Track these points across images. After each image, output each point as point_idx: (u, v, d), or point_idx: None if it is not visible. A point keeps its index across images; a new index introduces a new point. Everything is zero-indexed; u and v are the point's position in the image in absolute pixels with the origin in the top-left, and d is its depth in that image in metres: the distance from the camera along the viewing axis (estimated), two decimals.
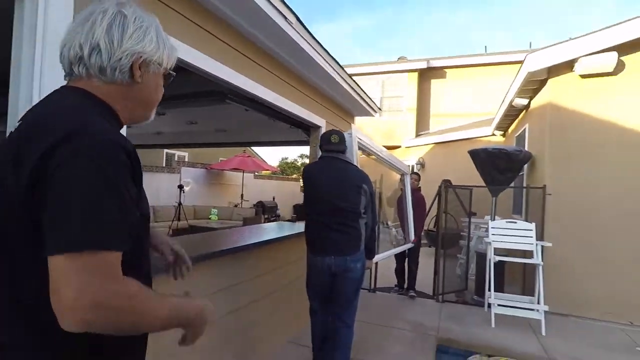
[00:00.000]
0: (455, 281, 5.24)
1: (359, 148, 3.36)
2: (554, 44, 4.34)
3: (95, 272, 0.61)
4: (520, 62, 4.68)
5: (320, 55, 3.10)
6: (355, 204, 2.39)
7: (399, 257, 5.06)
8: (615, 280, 4.17)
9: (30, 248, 0.65)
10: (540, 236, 4.35)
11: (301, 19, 2.59)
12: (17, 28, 1.33)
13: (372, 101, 4.87)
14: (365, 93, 4.52)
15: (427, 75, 12.55)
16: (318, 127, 3.94)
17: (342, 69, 3.60)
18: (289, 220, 5.02)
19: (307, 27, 2.72)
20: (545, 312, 3.85)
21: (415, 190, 5.06)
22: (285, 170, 21.15)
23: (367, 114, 5.06)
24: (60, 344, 0.67)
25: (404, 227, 4.92)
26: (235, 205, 12.31)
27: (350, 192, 2.40)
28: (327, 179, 2.42)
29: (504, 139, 8.49)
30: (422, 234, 5.31)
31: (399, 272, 5.15)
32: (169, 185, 9.00)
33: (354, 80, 4.02)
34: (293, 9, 2.49)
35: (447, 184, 5.06)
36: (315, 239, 2.44)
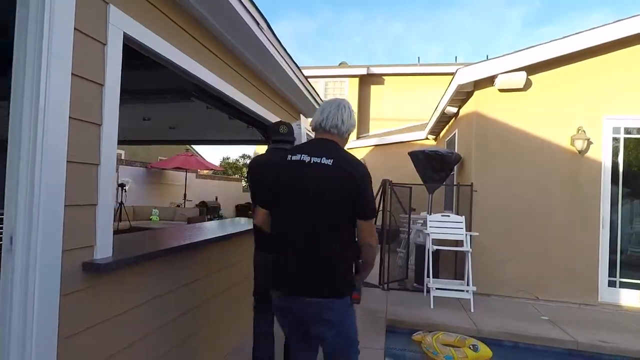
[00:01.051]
0: (397, 271, 5.76)
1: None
2: (479, 62, 5.06)
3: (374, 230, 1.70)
4: (448, 73, 5.35)
5: (284, 60, 3.33)
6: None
7: None
8: (525, 264, 4.96)
9: (347, 218, 1.63)
10: (469, 227, 5.01)
11: (271, 26, 2.80)
12: (19, 9, 1.37)
13: (320, 99, 5.19)
14: (318, 95, 4.82)
15: (367, 81, 13.30)
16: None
17: (301, 72, 3.86)
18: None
19: (275, 33, 2.93)
20: (473, 292, 4.48)
21: None
22: (226, 170, 20.74)
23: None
24: (347, 253, 1.65)
25: None
26: (178, 206, 11.87)
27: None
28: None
29: (435, 142, 9.37)
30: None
31: None
32: None
33: (309, 84, 4.29)
34: (264, 15, 2.69)
35: (389, 182, 5.55)
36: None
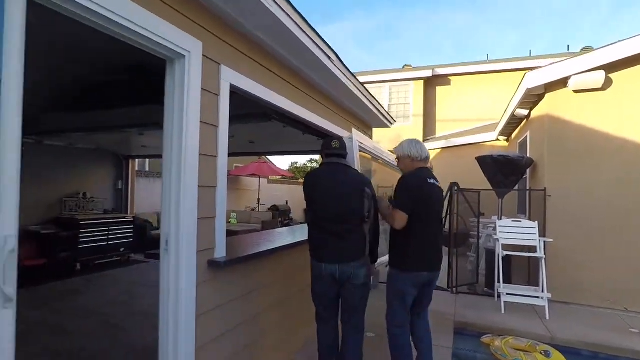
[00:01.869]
0: (467, 276, 5.78)
1: (360, 151, 3.61)
2: (549, 65, 4.93)
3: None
4: (522, 69, 5.26)
5: (351, 82, 3.71)
6: (359, 208, 2.33)
7: None
8: (611, 272, 4.70)
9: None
10: (542, 233, 4.89)
11: (340, 56, 3.19)
12: (170, 81, 1.92)
13: (389, 114, 5.47)
14: (383, 108, 5.12)
15: (432, 83, 13.14)
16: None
17: (367, 90, 4.21)
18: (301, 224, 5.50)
19: (343, 62, 3.33)
20: (549, 299, 4.40)
21: None
22: (296, 175, 21.79)
23: (384, 125, 5.66)
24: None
25: None
26: (252, 209, 12.92)
27: (354, 197, 2.33)
28: (330, 184, 2.37)
29: (507, 144, 9.03)
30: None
31: None
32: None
33: (375, 99, 4.62)
34: (334, 49, 3.09)
35: (455, 187, 5.59)
36: (320, 246, 2.37)
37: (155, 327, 1.90)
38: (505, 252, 4.72)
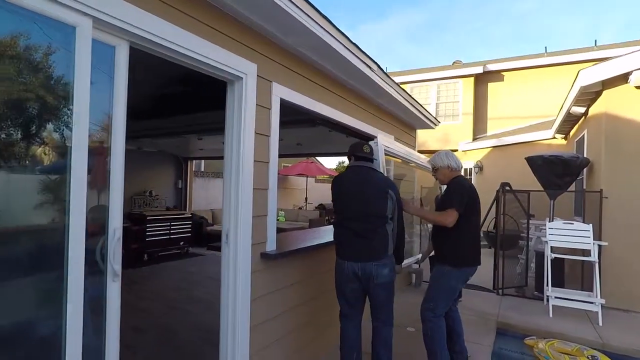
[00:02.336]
0: (516, 278, 5.66)
1: (386, 154, 3.64)
2: (606, 60, 4.69)
3: None
4: (585, 61, 5.03)
5: (393, 89, 3.87)
6: (382, 209, 2.44)
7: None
8: None
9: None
10: (598, 236, 4.69)
11: (380, 65, 3.38)
12: (232, 99, 2.25)
13: (433, 116, 5.52)
14: (426, 110, 5.19)
15: (483, 79, 12.70)
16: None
17: (410, 95, 4.35)
18: None
19: (384, 69, 3.50)
20: (606, 307, 4.22)
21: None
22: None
23: (428, 127, 5.71)
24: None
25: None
26: (300, 208, 13.39)
27: (377, 198, 2.45)
28: (355, 186, 2.49)
29: (565, 142, 8.55)
30: (481, 235, 5.69)
31: None
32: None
33: (417, 102, 4.72)
34: (375, 59, 3.29)
35: (506, 187, 5.47)
36: (343, 244, 2.48)
37: (211, 310, 2.25)
38: (554, 255, 4.60)
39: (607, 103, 4.82)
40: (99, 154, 1.54)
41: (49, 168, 1.45)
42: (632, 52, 4.54)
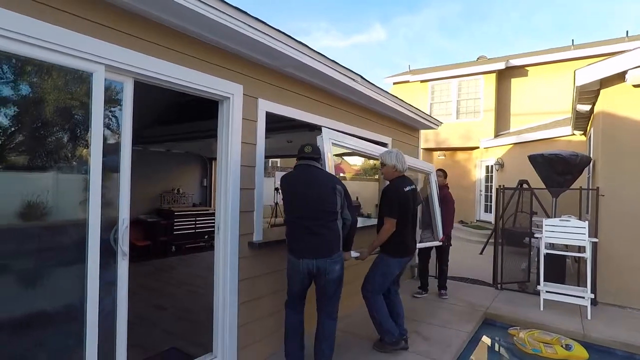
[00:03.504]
0: (521, 275, 5.80)
1: (335, 145, 3.49)
2: (603, 60, 4.75)
3: None
4: (614, 53, 5.08)
5: (381, 95, 4.22)
6: (332, 205, 2.58)
7: (422, 256, 5.12)
8: None
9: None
10: (594, 233, 4.78)
11: (364, 76, 3.75)
12: (222, 116, 2.74)
13: (433, 118, 5.77)
14: (424, 113, 5.46)
15: (506, 75, 12.55)
16: (385, 144, 5.01)
17: (403, 101, 4.70)
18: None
19: (367, 79, 3.87)
20: (602, 302, 4.35)
21: (443, 187, 5.00)
22: (367, 171, 22.27)
23: (429, 127, 5.96)
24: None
25: (431, 225, 4.87)
26: None
27: (326, 195, 2.58)
28: (304, 185, 2.63)
29: (585, 138, 8.42)
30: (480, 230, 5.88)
31: (422, 272, 5.15)
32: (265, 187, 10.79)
33: (412, 106, 5.04)
34: (357, 72, 3.67)
35: (523, 184, 5.56)
36: (298, 242, 2.60)
37: None
38: (547, 251, 4.76)
39: (605, 102, 4.88)
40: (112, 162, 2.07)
41: (76, 172, 2.00)
42: (628, 50, 4.59)
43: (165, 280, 5.45)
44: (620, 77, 4.71)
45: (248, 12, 2.44)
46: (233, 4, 2.34)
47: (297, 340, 2.73)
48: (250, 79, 2.87)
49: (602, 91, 4.91)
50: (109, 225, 2.06)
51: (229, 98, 2.68)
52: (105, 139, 1.98)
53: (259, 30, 2.55)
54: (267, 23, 2.60)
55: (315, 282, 2.66)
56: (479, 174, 12.87)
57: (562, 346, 3.60)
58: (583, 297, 4.42)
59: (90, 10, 1.92)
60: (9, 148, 1.89)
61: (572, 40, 12.95)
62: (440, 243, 4.84)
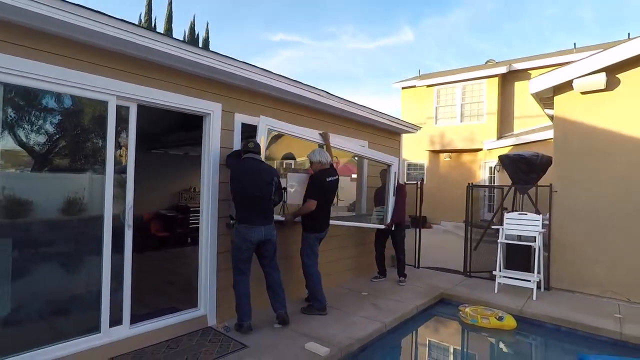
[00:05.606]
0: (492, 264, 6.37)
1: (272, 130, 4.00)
2: (553, 70, 5.33)
3: None
4: None
5: (348, 106, 5.02)
6: (269, 192, 3.48)
7: (378, 246, 5.76)
8: (616, 265, 4.92)
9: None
10: (549, 227, 5.34)
11: (328, 91, 4.58)
12: (205, 127, 3.64)
13: (410, 124, 6.52)
14: (398, 120, 6.21)
15: (509, 78, 12.93)
16: (362, 146, 5.78)
17: (373, 110, 5.48)
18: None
19: (331, 93, 4.69)
20: (555, 288, 4.99)
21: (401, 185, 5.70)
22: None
23: (408, 132, 6.69)
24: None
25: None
26: (333, 204, 14.63)
27: (268, 184, 3.46)
28: (252, 174, 3.39)
29: None
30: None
31: (379, 260, 5.78)
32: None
33: (385, 114, 5.80)
34: (321, 89, 4.49)
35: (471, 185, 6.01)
36: (252, 213, 3.39)
37: None
38: (505, 241, 5.36)
39: (558, 107, 5.44)
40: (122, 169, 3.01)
41: (99, 173, 2.95)
42: (569, 63, 5.16)
43: (179, 264, 6.46)
44: (568, 85, 5.27)
45: (231, 56, 3.47)
46: (219, 51, 3.25)
47: (249, 302, 3.54)
48: (228, 98, 3.76)
49: (555, 98, 5.46)
50: (119, 207, 3.00)
51: (210, 114, 3.58)
52: (117, 146, 2.92)
53: (232, 65, 3.47)
54: (238, 59, 3.51)
55: (261, 247, 3.52)
56: (483, 174, 13.25)
57: (496, 318, 4.24)
58: (529, 281, 5.00)
59: (107, 60, 2.87)
60: (53, 154, 2.88)
61: (574, 43, 13.13)
62: (384, 227, 5.45)
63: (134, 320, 3.17)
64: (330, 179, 4.09)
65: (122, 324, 3.05)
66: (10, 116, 2.59)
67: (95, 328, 2.89)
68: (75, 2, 2.51)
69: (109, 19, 2.66)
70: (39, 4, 2.32)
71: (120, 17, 2.73)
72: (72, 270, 2.97)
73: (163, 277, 5.47)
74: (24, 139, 2.70)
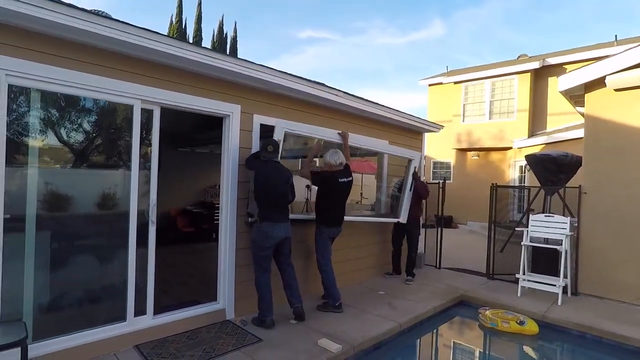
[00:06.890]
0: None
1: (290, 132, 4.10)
2: (586, 66, 5.09)
3: None
4: None
5: (367, 105, 5.01)
6: (287, 192, 3.69)
7: (395, 242, 5.84)
8: None
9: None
10: (578, 229, 5.13)
11: (346, 91, 4.61)
12: (225, 128, 3.77)
13: (432, 123, 6.41)
14: (420, 119, 6.13)
15: (542, 74, 12.41)
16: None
17: (394, 109, 5.45)
18: None
19: (349, 93, 4.71)
20: (583, 293, 4.87)
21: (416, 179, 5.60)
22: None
23: (430, 131, 6.59)
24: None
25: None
26: (357, 202, 14.64)
27: (286, 185, 3.67)
28: (274, 176, 3.57)
29: None
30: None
31: (394, 256, 5.87)
32: (298, 184, 11.91)
33: (406, 113, 5.74)
34: (339, 89, 4.52)
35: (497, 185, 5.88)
36: (272, 212, 3.55)
37: None
38: (530, 244, 5.20)
39: (589, 105, 5.20)
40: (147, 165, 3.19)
41: (123, 172, 3.14)
42: (609, 57, 4.90)
43: (203, 259, 6.70)
44: (601, 82, 5.01)
45: (249, 60, 3.62)
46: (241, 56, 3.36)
47: (271, 297, 3.71)
48: (247, 99, 3.87)
49: (586, 95, 5.22)
50: (144, 204, 3.18)
51: (229, 115, 3.71)
52: (141, 146, 3.10)
53: (250, 68, 3.57)
54: (253, 62, 3.61)
55: (281, 244, 3.65)
56: (513, 174, 12.81)
57: (517, 322, 4.14)
58: (554, 285, 4.82)
59: (133, 66, 3.04)
60: (89, 152, 3.09)
61: (615, 36, 12.37)
62: (397, 220, 5.50)
63: (157, 311, 3.36)
64: (343, 179, 4.12)
65: (146, 314, 3.24)
66: (52, 118, 2.82)
67: (121, 317, 3.09)
68: (118, 19, 2.78)
69: (143, 32, 2.88)
70: (84, 21, 2.59)
71: (147, 27, 2.90)
72: (101, 263, 3.18)
73: (187, 271, 5.71)
74: (57, 140, 2.92)
